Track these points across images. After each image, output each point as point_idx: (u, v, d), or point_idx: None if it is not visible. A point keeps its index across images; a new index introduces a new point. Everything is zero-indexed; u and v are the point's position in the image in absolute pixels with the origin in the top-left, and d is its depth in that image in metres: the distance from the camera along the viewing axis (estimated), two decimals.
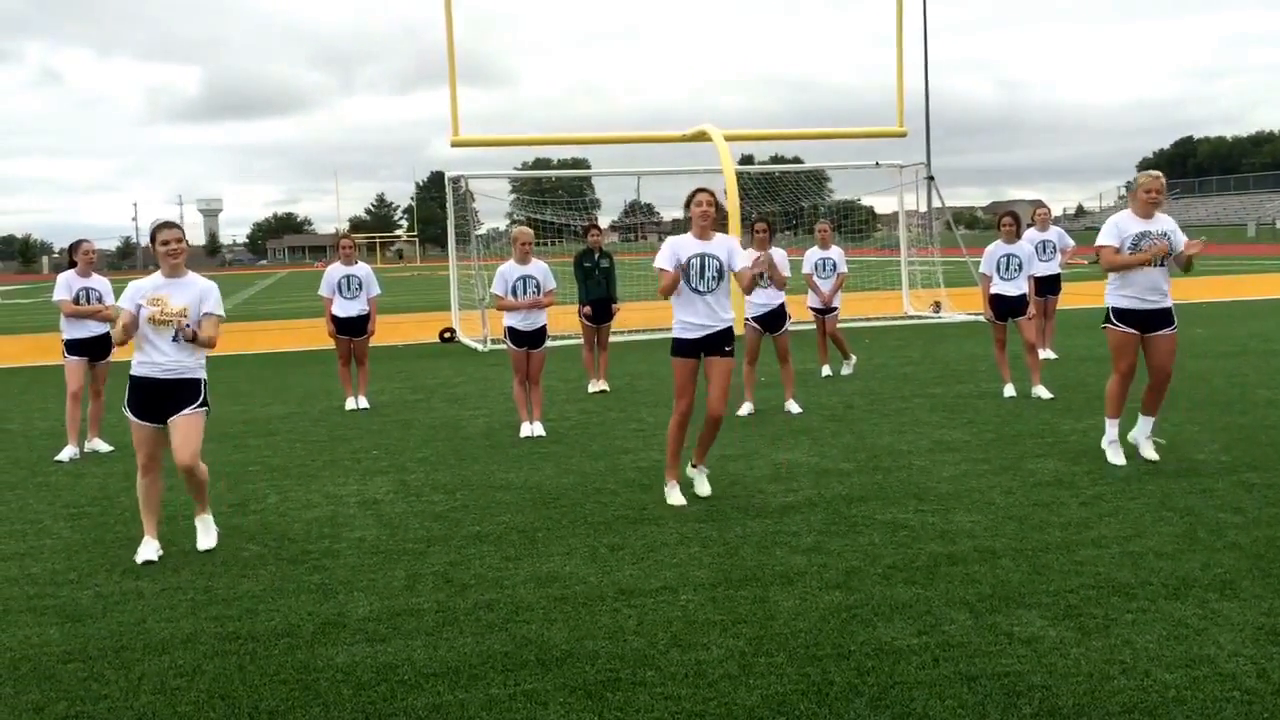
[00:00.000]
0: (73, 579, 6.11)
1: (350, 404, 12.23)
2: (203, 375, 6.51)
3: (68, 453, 9.75)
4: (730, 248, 7.28)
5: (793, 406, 10.84)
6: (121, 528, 7.22)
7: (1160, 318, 7.78)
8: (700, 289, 7.15)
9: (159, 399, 6.38)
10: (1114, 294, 7.84)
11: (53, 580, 6.10)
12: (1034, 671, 4.38)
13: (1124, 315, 7.78)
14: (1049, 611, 5.03)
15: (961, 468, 8.00)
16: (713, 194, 7.30)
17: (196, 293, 6.43)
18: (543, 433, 10.06)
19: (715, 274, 7.15)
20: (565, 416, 11.06)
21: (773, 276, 10.60)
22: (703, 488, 7.43)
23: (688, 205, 7.29)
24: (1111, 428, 8.00)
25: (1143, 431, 8.05)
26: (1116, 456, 7.89)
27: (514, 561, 6.13)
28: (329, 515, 7.35)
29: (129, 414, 6.43)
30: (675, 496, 7.32)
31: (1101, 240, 7.79)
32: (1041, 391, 10.96)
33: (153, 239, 6.50)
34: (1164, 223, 7.78)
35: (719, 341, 7.23)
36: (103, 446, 10.07)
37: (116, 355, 10.65)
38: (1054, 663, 4.46)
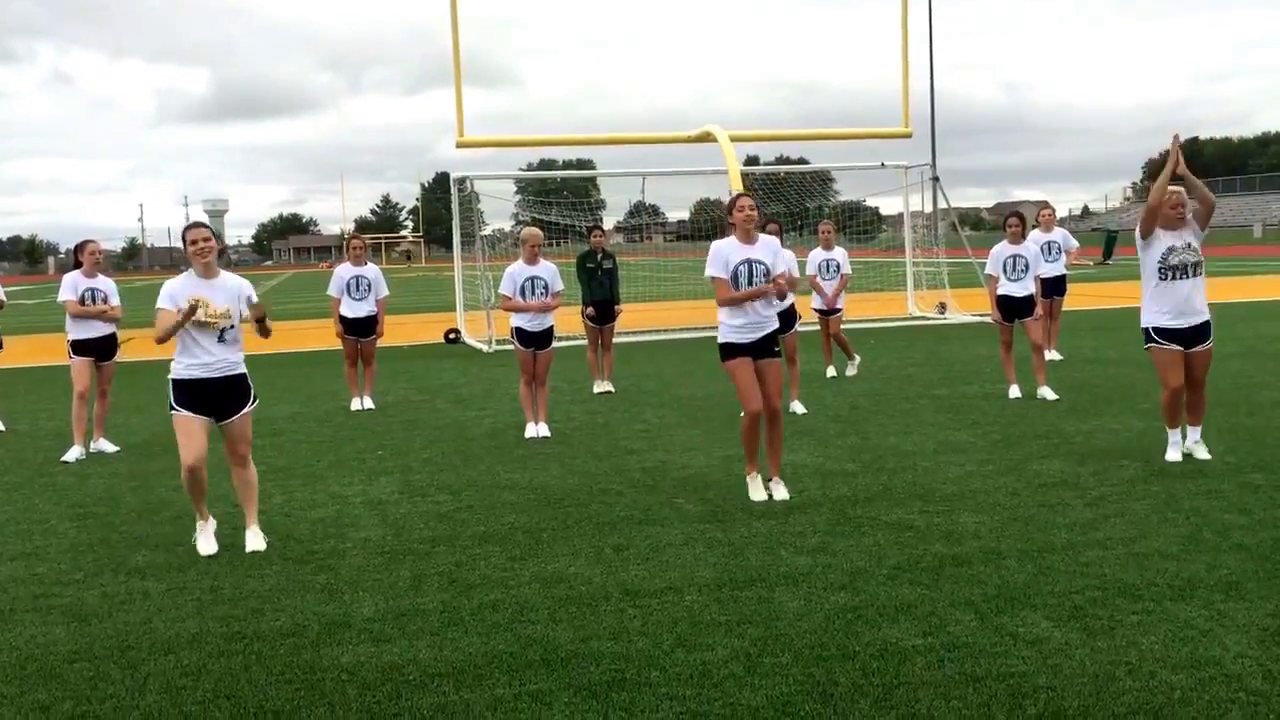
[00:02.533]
0: (78, 579, 6.13)
1: (356, 404, 12.24)
2: (245, 370, 6.72)
3: (74, 453, 9.77)
4: (775, 250, 7.40)
5: (797, 407, 10.84)
6: (127, 528, 7.23)
7: (1197, 334, 7.84)
8: None
9: (213, 397, 6.54)
10: (1151, 314, 7.86)
11: (59, 580, 6.12)
12: (1039, 672, 4.38)
13: (1165, 333, 7.80)
14: (1054, 613, 5.02)
15: (967, 469, 8.00)
16: (753, 199, 7.44)
17: (235, 292, 6.59)
18: (548, 433, 10.07)
19: (762, 278, 7.27)
20: (570, 417, 11.07)
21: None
22: (781, 493, 7.39)
23: (730, 210, 7.42)
24: (1173, 434, 8.02)
25: (1191, 438, 8.09)
26: (1174, 454, 7.96)
27: (519, 562, 6.14)
28: (334, 515, 7.36)
29: (181, 411, 6.49)
30: (758, 491, 7.38)
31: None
32: (1047, 393, 10.95)
33: (184, 240, 6.60)
34: (1195, 233, 7.82)
35: (768, 344, 7.35)
36: (108, 447, 10.09)
37: (122, 356, 10.68)
38: (1059, 664, 4.46)
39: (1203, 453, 8.01)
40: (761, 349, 7.33)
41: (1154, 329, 7.85)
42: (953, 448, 8.77)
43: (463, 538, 6.69)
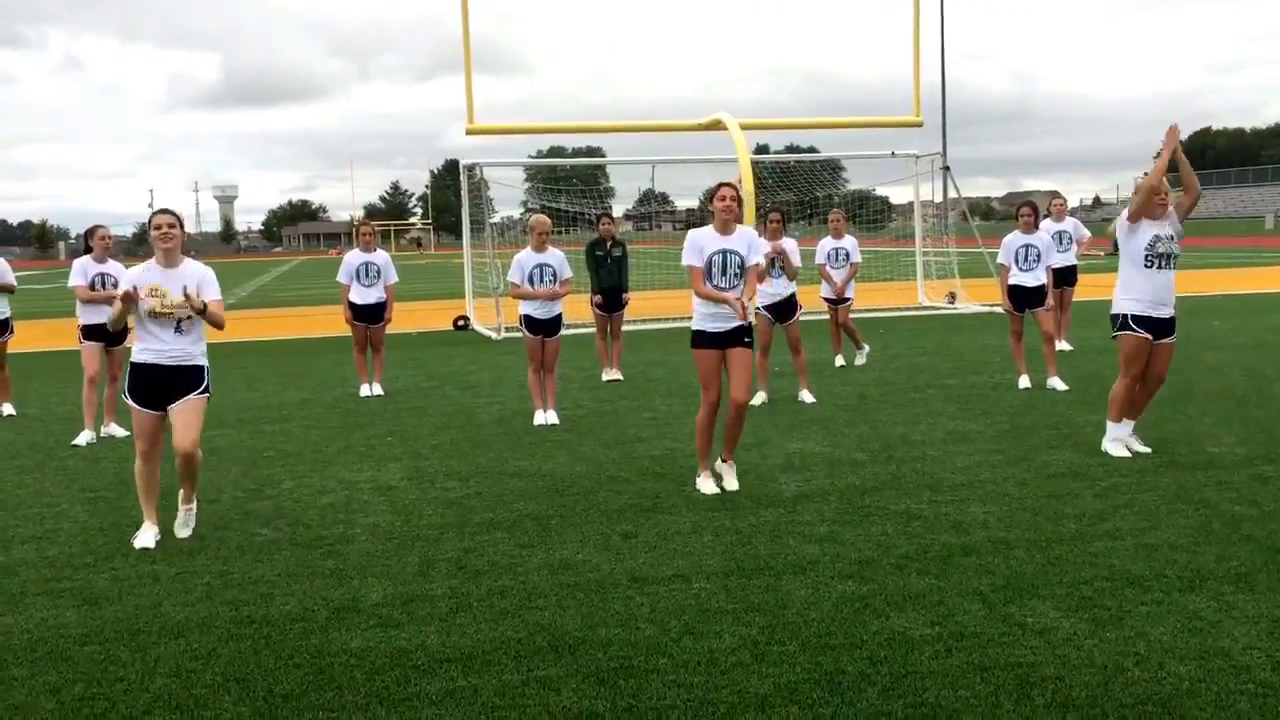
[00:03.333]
0: (89, 562, 6.15)
1: (365, 391, 12.26)
2: (204, 362, 6.57)
3: (84, 437, 9.80)
4: (750, 241, 7.30)
5: (806, 396, 10.82)
6: (137, 512, 7.22)
7: (1167, 326, 7.89)
8: (721, 285, 7.20)
9: (161, 386, 6.43)
10: (1127, 301, 7.86)
11: (69, 563, 6.14)
12: (1047, 662, 4.38)
13: (1140, 321, 7.82)
14: (1063, 603, 5.02)
15: (975, 459, 7.99)
16: (736, 188, 7.32)
17: (195, 282, 6.45)
18: (556, 421, 10.08)
19: (737, 270, 7.21)
20: (579, 405, 11.07)
21: (785, 266, 10.62)
22: (731, 483, 7.38)
23: (711, 198, 7.34)
24: (1114, 429, 8.01)
25: (1126, 431, 8.03)
26: (1120, 450, 7.91)
27: (527, 549, 6.15)
28: (343, 501, 7.38)
29: (129, 400, 6.48)
30: (708, 485, 7.32)
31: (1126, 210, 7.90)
32: (1057, 383, 10.92)
33: (149, 225, 6.57)
34: (1174, 225, 7.84)
35: (738, 334, 7.26)
36: (119, 431, 10.11)
37: (133, 341, 10.70)
38: (1067, 654, 4.45)
39: (1140, 445, 8.01)
40: (731, 339, 7.26)
41: (1131, 316, 7.84)
42: (962, 437, 8.76)
43: (471, 524, 6.70)
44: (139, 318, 6.43)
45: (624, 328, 13.49)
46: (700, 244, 7.24)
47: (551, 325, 10.24)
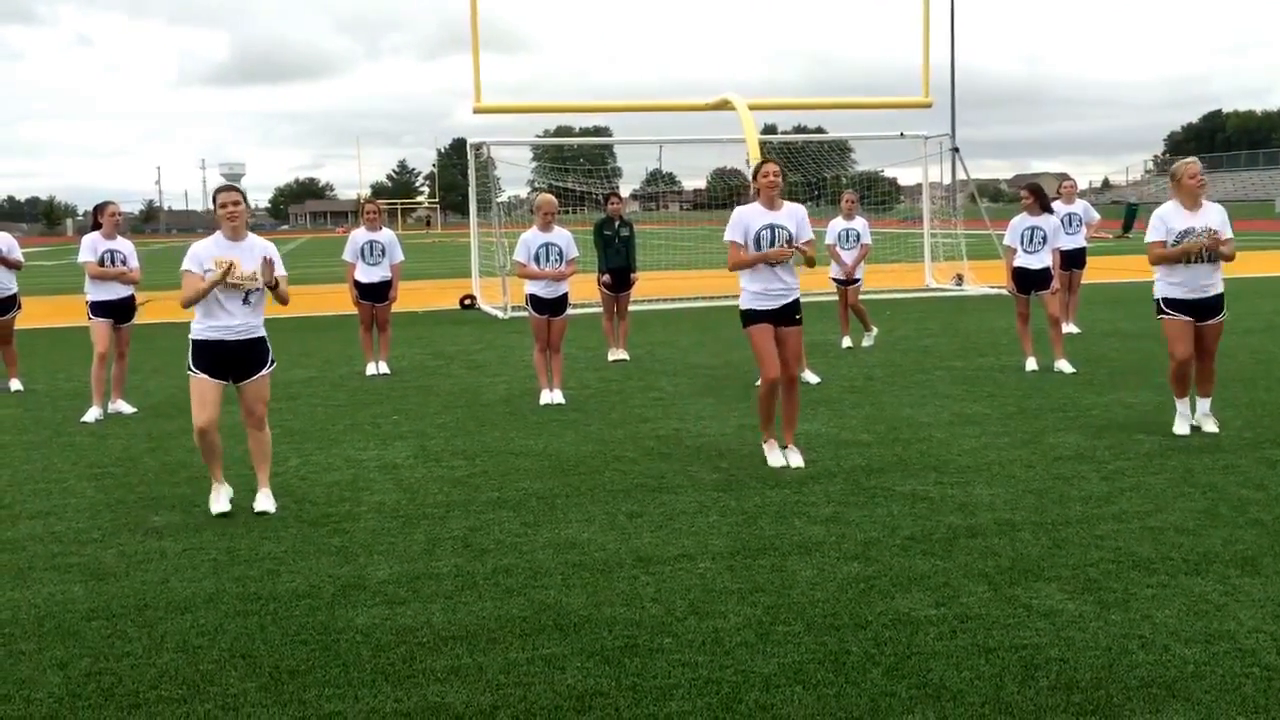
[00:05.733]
0: (96, 538, 6.17)
1: (371, 369, 12.27)
2: (265, 333, 6.73)
3: (93, 414, 9.82)
4: (799, 217, 7.40)
5: (810, 376, 10.79)
6: (144, 488, 7.28)
7: (1212, 306, 7.86)
8: (771, 263, 7.25)
9: (232, 360, 6.56)
10: (1163, 285, 7.90)
11: (77, 539, 6.16)
12: (1052, 644, 4.38)
13: (1175, 304, 7.82)
14: (1068, 585, 5.02)
15: (982, 440, 7.98)
16: (779, 164, 7.43)
17: (261, 254, 6.57)
18: (562, 400, 10.08)
19: (785, 245, 7.26)
20: (585, 385, 11.07)
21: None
22: (796, 459, 7.39)
23: (755, 176, 7.44)
24: (1181, 405, 8.05)
25: (1201, 410, 8.11)
26: (1182, 427, 7.97)
27: (533, 527, 6.16)
28: (349, 479, 7.39)
29: (198, 373, 6.53)
30: (775, 457, 7.41)
31: (1149, 238, 7.88)
32: (1064, 365, 10.90)
33: (214, 202, 6.67)
34: (1211, 215, 7.78)
35: (790, 311, 7.35)
36: (126, 408, 10.14)
37: (141, 318, 10.72)
38: (1072, 636, 4.45)
39: (1211, 425, 8.02)
40: (782, 316, 7.34)
41: (1164, 300, 7.88)
42: (968, 419, 8.75)
43: (477, 503, 6.71)
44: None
45: (630, 308, 13.47)
46: (746, 221, 7.32)
47: (557, 305, 10.23)
